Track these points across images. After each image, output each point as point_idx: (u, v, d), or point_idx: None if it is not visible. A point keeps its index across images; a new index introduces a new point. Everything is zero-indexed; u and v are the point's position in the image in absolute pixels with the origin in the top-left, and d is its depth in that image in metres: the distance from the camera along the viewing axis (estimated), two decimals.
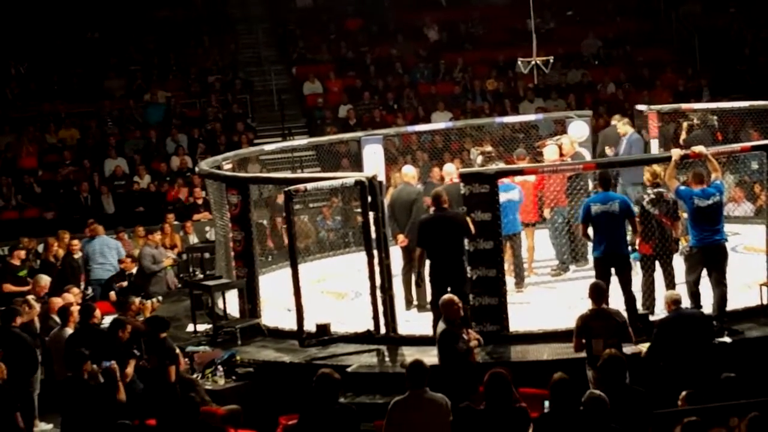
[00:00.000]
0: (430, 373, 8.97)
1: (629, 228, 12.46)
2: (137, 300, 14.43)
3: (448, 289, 11.98)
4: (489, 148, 15.83)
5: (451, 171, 14.64)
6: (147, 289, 16.60)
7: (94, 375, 10.79)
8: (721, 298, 12.05)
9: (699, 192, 12.11)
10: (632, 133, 16.60)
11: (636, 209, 12.67)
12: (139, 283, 16.89)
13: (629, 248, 12.51)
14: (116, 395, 10.88)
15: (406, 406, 8.87)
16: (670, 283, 12.48)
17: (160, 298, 16.42)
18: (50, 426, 13.19)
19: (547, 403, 9.39)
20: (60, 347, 12.43)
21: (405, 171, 14.61)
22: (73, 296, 14.17)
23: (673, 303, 10.89)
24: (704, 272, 12.19)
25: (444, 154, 20.40)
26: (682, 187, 12.29)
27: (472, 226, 12.35)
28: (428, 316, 12.49)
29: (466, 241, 12.37)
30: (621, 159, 15.73)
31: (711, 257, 12.09)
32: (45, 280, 15.45)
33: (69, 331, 12.68)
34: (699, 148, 12.74)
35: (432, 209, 12.53)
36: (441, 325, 10.67)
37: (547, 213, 15.38)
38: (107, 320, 13.14)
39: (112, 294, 16.91)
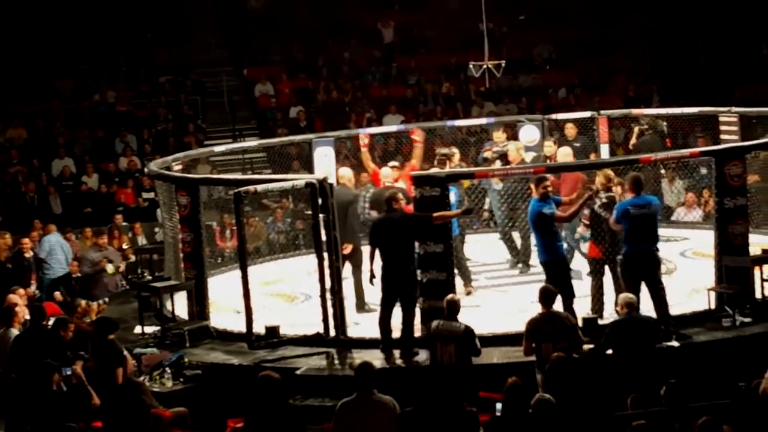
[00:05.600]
0: (378, 375, 8.96)
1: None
2: (83, 302, 14.27)
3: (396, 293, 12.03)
4: (453, 151, 15.62)
5: (386, 174, 14.63)
6: (91, 292, 16.46)
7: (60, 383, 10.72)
8: (661, 301, 12.05)
9: (634, 200, 12.16)
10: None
11: (586, 212, 12.73)
12: (83, 285, 16.79)
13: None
14: (90, 401, 10.79)
15: (354, 408, 8.84)
16: (620, 288, 12.49)
17: (106, 299, 16.27)
18: None
19: (499, 406, 9.40)
20: (5, 349, 12.24)
21: (342, 173, 14.53)
22: (18, 297, 13.95)
23: (626, 306, 10.88)
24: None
25: (396, 157, 20.37)
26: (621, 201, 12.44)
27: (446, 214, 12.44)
28: (376, 318, 12.44)
29: (416, 244, 12.37)
30: (571, 163, 15.76)
31: (644, 265, 12.12)
32: None
33: (15, 332, 12.50)
34: None
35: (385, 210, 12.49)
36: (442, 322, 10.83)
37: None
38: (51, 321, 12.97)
39: (57, 294, 16.73)
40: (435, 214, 12.28)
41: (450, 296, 11.22)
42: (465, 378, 10.42)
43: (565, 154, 15.60)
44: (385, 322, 12.12)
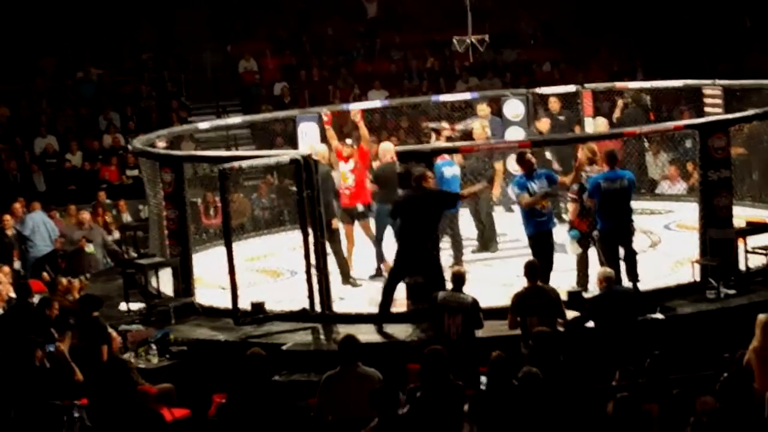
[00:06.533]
0: (362, 348, 8.96)
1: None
2: (64, 279, 14.23)
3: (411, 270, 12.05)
4: (443, 125, 15.49)
5: (388, 149, 14.50)
6: (72, 269, 16.43)
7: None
8: (634, 265, 12.17)
9: (607, 174, 12.16)
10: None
11: (575, 186, 12.72)
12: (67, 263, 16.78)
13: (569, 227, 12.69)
14: (73, 377, 10.78)
15: (338, 381, 8.85)
16: (603, 262, 12.50)
17: (88, 275, 16.24)
18: None
19: (483, 379, 9.41)
20: None
21: (316, 149, 14.38)
22: (2, 275, 13.91)
23: (605, 280, 10.90)
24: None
25: (381, 132, 20.34)
26: (593, 175, 12.39)
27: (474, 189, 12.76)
28: (361, 293, 12.42)
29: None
30: (555, 137, 15.78)
31: (621, 237, 12.17)
32: None
33: None
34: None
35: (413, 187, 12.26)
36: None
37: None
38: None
39: (45, 275, 16.67)
40: (463, 192, 12.37)
41: (456, 268, 11.28)
42: (471, 350, 10.45)
43: (599, 124, 15.57)
44: (388, 294, 12.10)
